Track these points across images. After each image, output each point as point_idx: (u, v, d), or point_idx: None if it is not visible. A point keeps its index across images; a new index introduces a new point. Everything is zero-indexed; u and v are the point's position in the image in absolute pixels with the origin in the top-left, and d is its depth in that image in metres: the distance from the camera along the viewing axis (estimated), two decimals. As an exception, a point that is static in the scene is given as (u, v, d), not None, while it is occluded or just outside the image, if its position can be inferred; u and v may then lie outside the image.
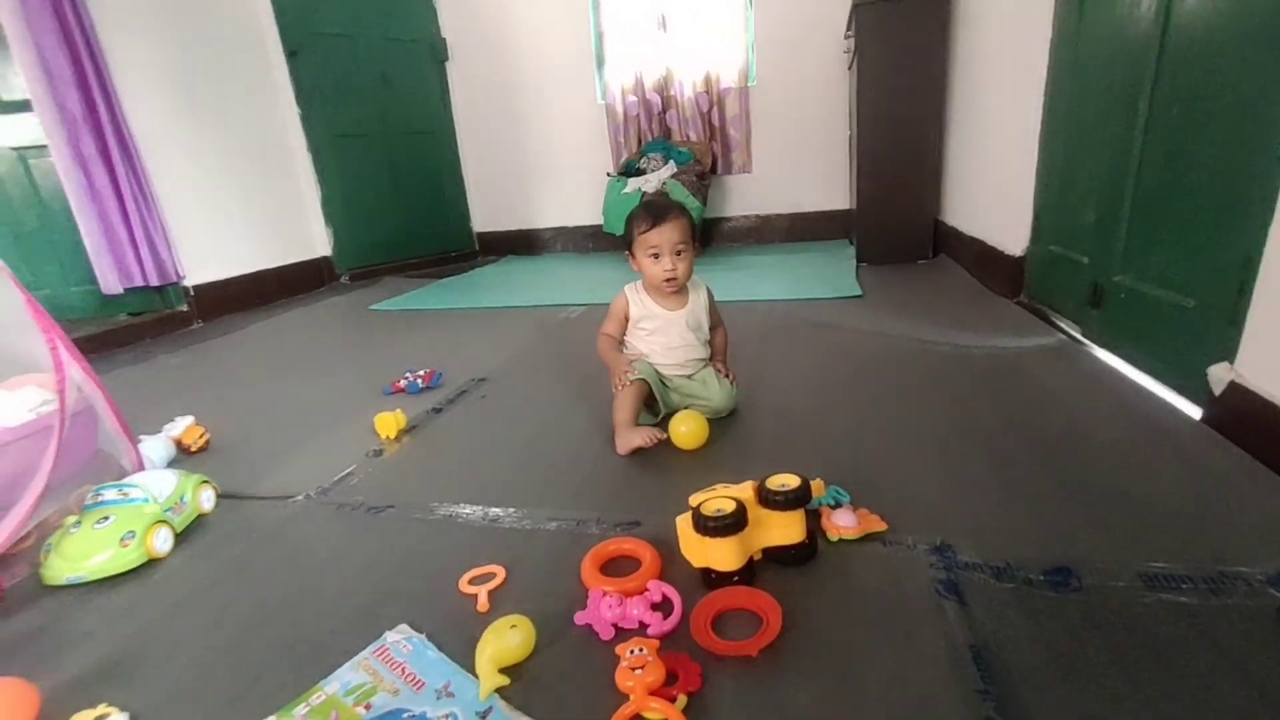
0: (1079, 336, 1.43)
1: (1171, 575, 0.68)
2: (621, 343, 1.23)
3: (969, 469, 0.94)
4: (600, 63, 3.41)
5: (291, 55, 2.97)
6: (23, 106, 2.20)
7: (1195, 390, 0.98)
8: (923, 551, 0.76)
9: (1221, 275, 0.93)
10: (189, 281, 2.53)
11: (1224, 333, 0.91)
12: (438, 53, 3.48)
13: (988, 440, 1.02)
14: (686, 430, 1.07)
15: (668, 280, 1.14)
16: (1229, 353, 0.90)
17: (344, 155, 3.22)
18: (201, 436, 1.27)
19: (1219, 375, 0.90)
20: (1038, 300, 1.69)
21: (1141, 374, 1.18)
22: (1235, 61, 0.93)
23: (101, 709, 0.61)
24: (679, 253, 1.14)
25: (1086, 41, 1.40)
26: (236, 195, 2.79)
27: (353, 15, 3.14)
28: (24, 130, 2.23)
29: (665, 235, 1.12)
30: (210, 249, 2.63)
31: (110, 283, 2.30)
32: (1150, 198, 1.16)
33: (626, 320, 1.21)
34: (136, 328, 2.37)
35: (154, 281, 2.39)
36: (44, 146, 2.23)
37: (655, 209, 1.14)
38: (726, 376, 1.19)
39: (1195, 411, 0.98)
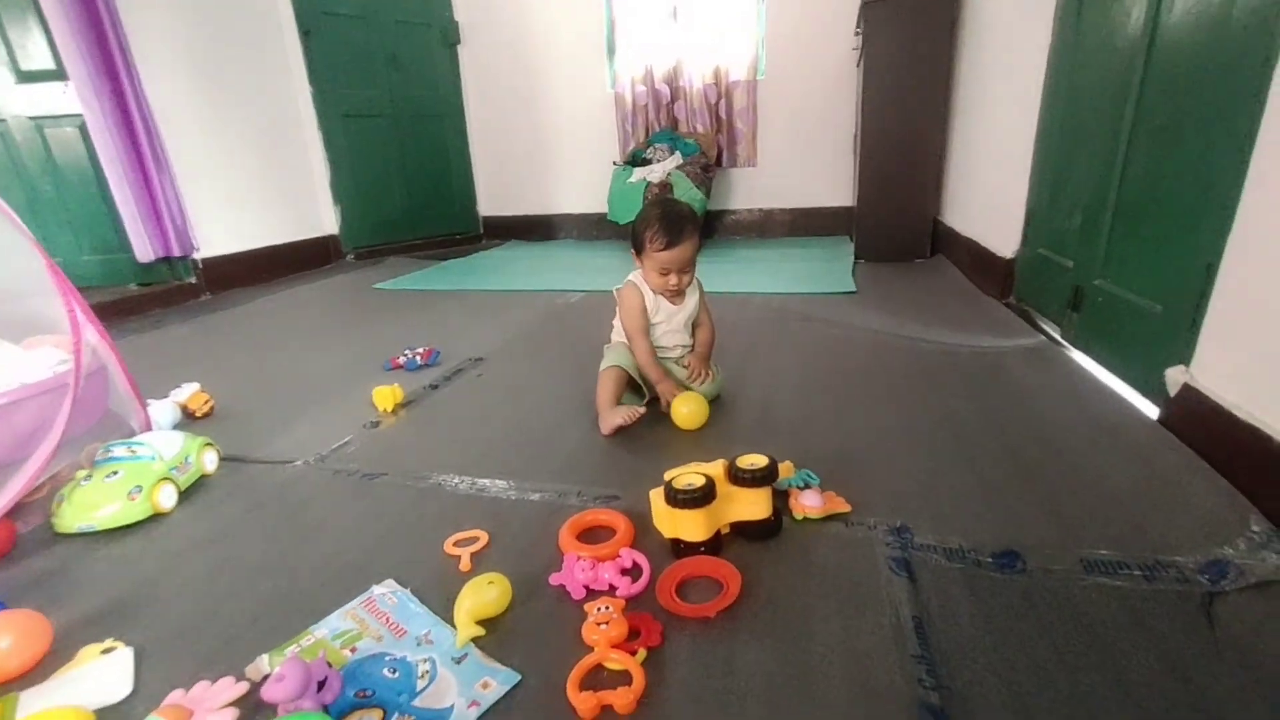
0: (1058, 338, 1.46)
1: (1110, 562, 0.72)
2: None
3: (937, 459, 0.99)
4: (611, 52, 3.42)
5: (305, 34, 3.00)
6: (40, 77, 2.25)
7: (1155, 392, 1.02)
8: (882, 532, 0.81)
9: (1185, 283, 0.96)
10: (199, 255, 2.58)
11: (1185, 338, 0.95)
12: (449, 36, 3.50)
13: (959, 433, 1.07)
14: (688, 411, 1.12)
15: (672, 293, 1.19)
16: (1188, 358, 0.94)
17: (354, 135, 3.25)
18: (206, 403, 1.32)
19: (1175, 378, 0.94)
20: (1025, 302, 1.72)
21: (1110, 375, 1.22)
22: (1208, 82, 0.96)
23: (109, 643, 0.67)
24: (686, 270, 1.18)
25: (1082, 53, 1.42)
26: (248, 171, 2.83)
27: (366, -6, 3.17)
28: (40, 100, 2.28)
29: (677, 256, 1.15)
30: (220, 223, 2.68)
31: (145, 251, 2.37)
32: (1130, 206, 1.19)
33: (645, 312, 1.21)
34: (146, 298, 2.43)
35: (178, 252, 2.46)
36: (61, 116, 2.29)
37: (670, 227, 1.14)
38: (699, 378, 1.21)
39: (1154, 412, 1.02)
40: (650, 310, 1.21)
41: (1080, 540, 0.76)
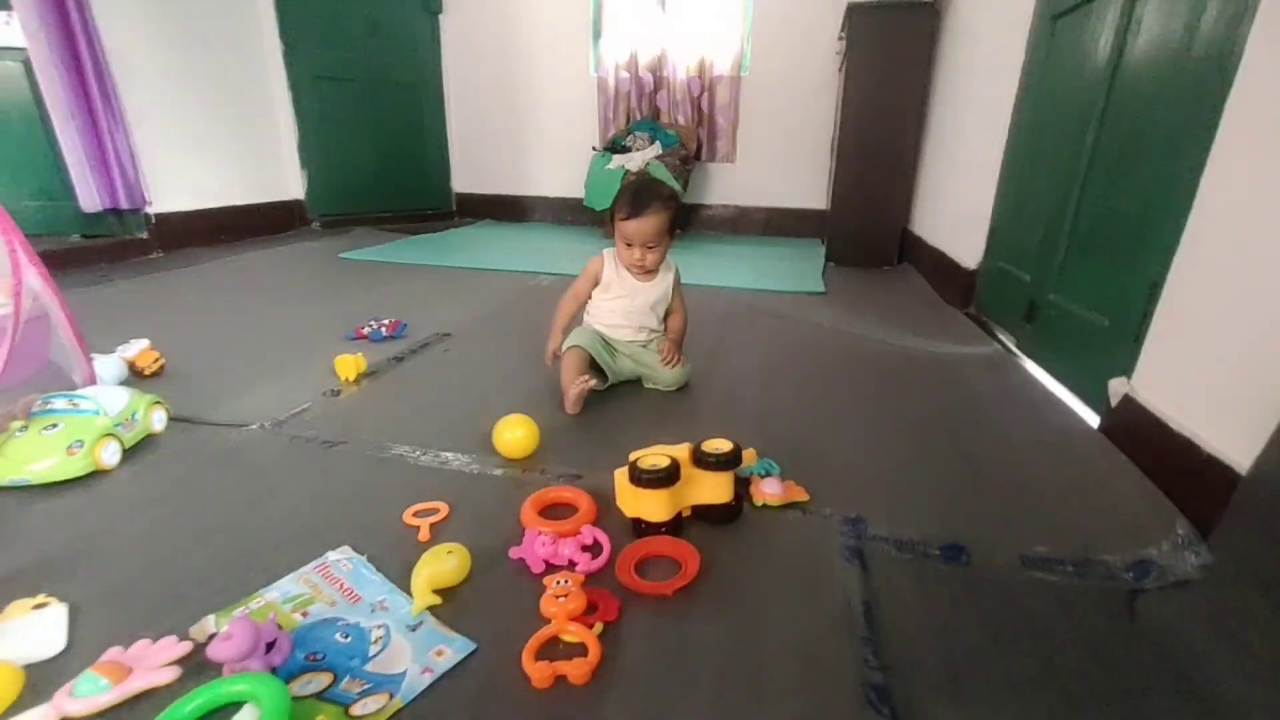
0: (1013, 348, 1.53)
1: (1047, 558, 0.76)
2: (586, 303, 1.27)
3: (893, 455, 1.02)
4: (597, 35, 3.39)
5: (278, -12, 2.87)
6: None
7: (1098, 401, 1.08)
8: (837, 521, 0.83)
9: (1131, 300, 1.02)
10: (151, 209, 2.46)
11: (1128, 352, 1.00)
12: (431, 4, 3.41)
13: (914, 433, 1.10)
14: (510, 437, 0.97)
15: (635, 267, 1.20)
16: (1130, 370, 0.99)
17: (325, 98, 3.14)
18: (156, 361, 1.27)
19: (1116, 389, 0.99)
20: (984, 312, 1.79)
21: (1058, 384, 1.28)
22: (1166, 110, 1.02)
23: (40, 598, 0.64)
24: (651, 246, 1.19)
25: (1052, 74, 1.48)
26: (208, 125, 2.70)
27: (346, -46, 3.05)
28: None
29: (639, 229, 1.16)
30: (177, 178, 2.56)
31: (90, 200, 2.23)
32: (1086, 224, 1.25)
33: (597, 282, 1.25)
34: (92, 250, 2.31)
35: (125, 205, 2.33)
36: (2, 49, 2.14)
37: (637, 198, 1.16)
38: (669, 363, 1.23)
39: (1095, 420, 1.08)
40: (607, 282, 1.24)
41: (1020, 537, 0.80)
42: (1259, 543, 0.67)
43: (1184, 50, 0.98)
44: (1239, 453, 0.74)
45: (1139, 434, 0.92)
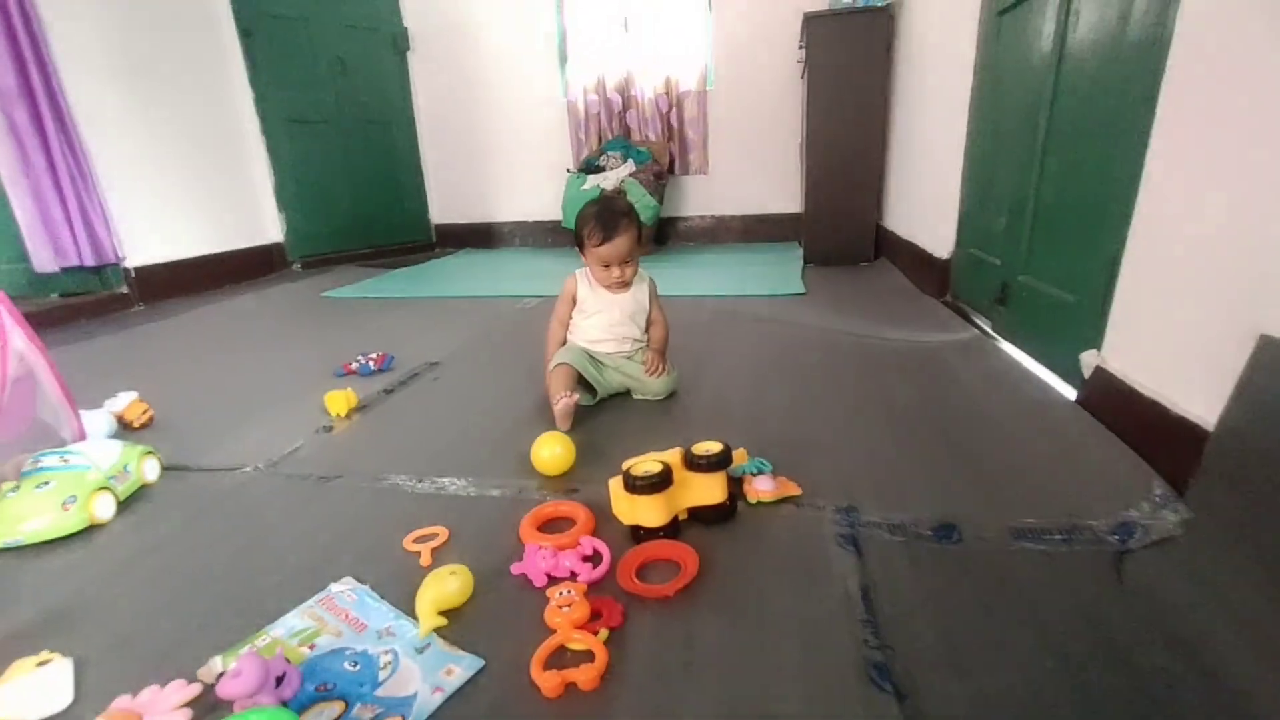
0: (990, 331, 1.56)
1: (1035, 529, 0.79)
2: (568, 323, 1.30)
3: (879, 444, 1.04)
4: (563, 60, 3.46)
5: (245, 35, 2.91)
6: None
7: (1072, 375, 1.11)
8: (830, 512, 0.85)
9: (1094, 275, 1.06)
10: (130, 263, 2.46)
11: (1096, 325, 1.03)
12: (399, 43, 3.46)
13: (900, 420, 1.13)
14: (548, 455, 0.97)
15: (616, 285, 1.24)
16: (1099, 342, 1.03)
17: (299, 140, 3.17)
18: (145, 413, 1.27)
19: (1088, 361, 1.03)
20: (960, 299, 1.83)
21: (1034, 363, 1.32)
22: (1108, 94, 1.07)
23: (44, 655, 0.64)
24: (626, 262, 1.22)
25: (1002, 66, 1.54)
26: (183, 176, 2.72)
27: (310, -1, 3.10)
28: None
29: (615, 249, 1.20)
30: (153, 230, 2.56)
31: (44, 260, 2.22)
32: (1047, 206, 1.30)
33: (574, 301, 1.28)
34: (72, 308, 2.30)
35: (89, 261, 2.31)
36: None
37: (606, 222, 1.19)
38: (654, 373, 1.25)
39: (1071, 393, 1.11)
40: (583, 299, 1.26)
41: (1008, 511, 0.83)
42: (1230, 495, 0.69)
43: (1120, 37, 1.03)
44: (1206, 411, 0.77)
45: (1112, 402, 0.95)
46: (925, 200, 2.17)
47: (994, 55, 1.58)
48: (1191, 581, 0.66)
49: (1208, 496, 0.72)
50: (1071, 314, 1.15)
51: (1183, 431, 0.79)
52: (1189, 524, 0.72)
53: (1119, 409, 0.94)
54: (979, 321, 1.65)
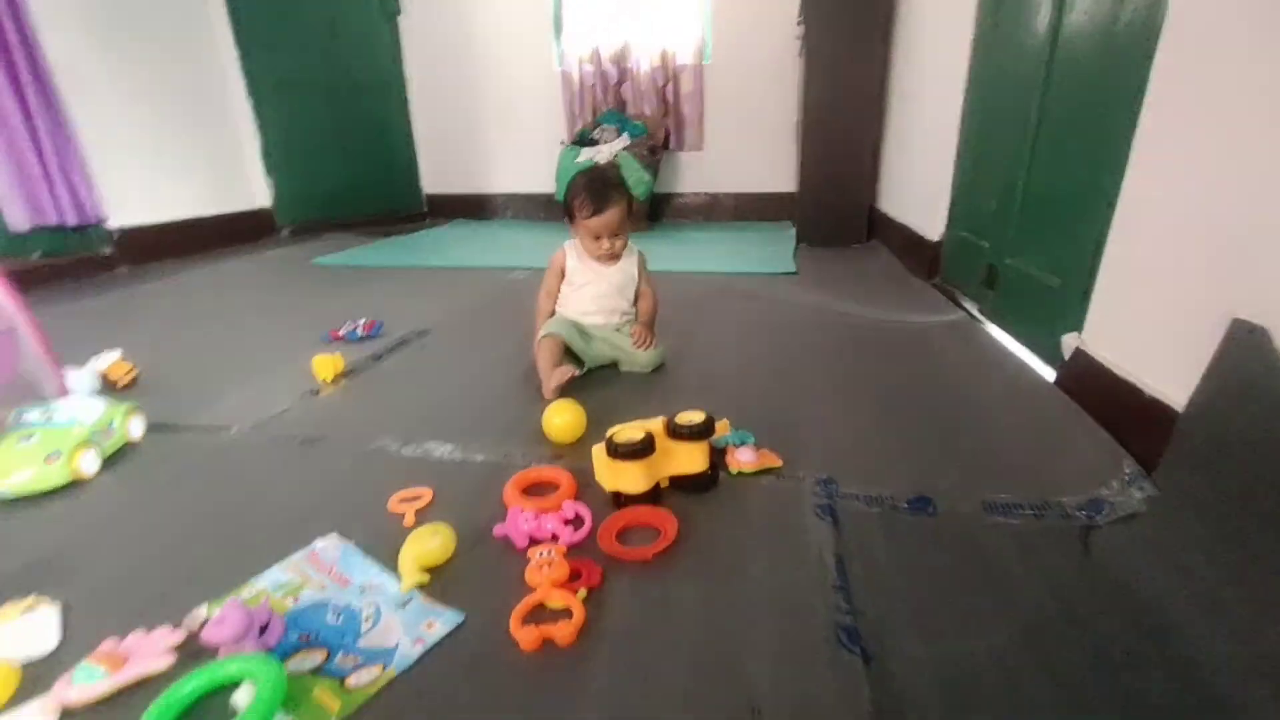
0: (977, 314, 1.58)
1: (1007, 503, 0.81)
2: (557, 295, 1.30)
3: (862, 419, 1.06)
4: (559, 29, 3.38)
5: (231, -8, 2.83)
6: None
7: (1054, 357, 1.13)
8: (810, 483, 0.87)
9: (1079, 259, 1.07)
10: (114, 224, 2.41)
11: (1078, 308, 1.05)
12: (389, 6, 3.37)
13: (883, 398, 1.14)
14: (560, 422, 0.99)
15: (605, 256, 1.24)
16: (1081, 325, 1.04)
17: (287, 104, 3.10)
18: (129, 372, 1.26)
19: (1068, 343, 1.04)
20: (949, 282, 1.84)
21: (1019, 344, 1.33)
22: (1099, 78, 1.07)
23: (30, 600, 0.64)
24: (616, 234, 1.22)
25: (999, 47, 1.53)
26: (168, 136, 2.66)
27: (299, -44, 3.01)
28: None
29: (605, 221, 1.20)
30: (138, 192, 2.51)
31: (17, 218, 2.17)
32: (1036, 190, 1.30)
33: (564, 274, 1.27)
34: (53, 269, 2.26)
35: (70, 221, 2.26)
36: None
37: (596, 194, 1.19)
38: (641, 345, 1.26)
39: (1052, 375, 1.13)
40: (572, 271, 1.26)
41: (983, 486, 0.85)
42: (1195, 474, 0.72)
43: (1112, 21, 1.03)
44: (1177, 393, 0.79)
45: (1089, 383, 0.97)
46: (919, 182, 2.17)
47: (991, 36, 1.57)
48: (1155, 556, 0.68)
49: (1174, 475, 0.74)
50: (1056, 297, 1.17)
51: (1155, 412, 0.81)
52: (1154, 501, 0.74)
53: (1095, 390, 0.96)
54: (967, 304, 1.66)
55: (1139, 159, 0.92)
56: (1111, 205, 0.96)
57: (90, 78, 2.32)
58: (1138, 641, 0.59)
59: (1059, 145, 1.21)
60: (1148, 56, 0.90)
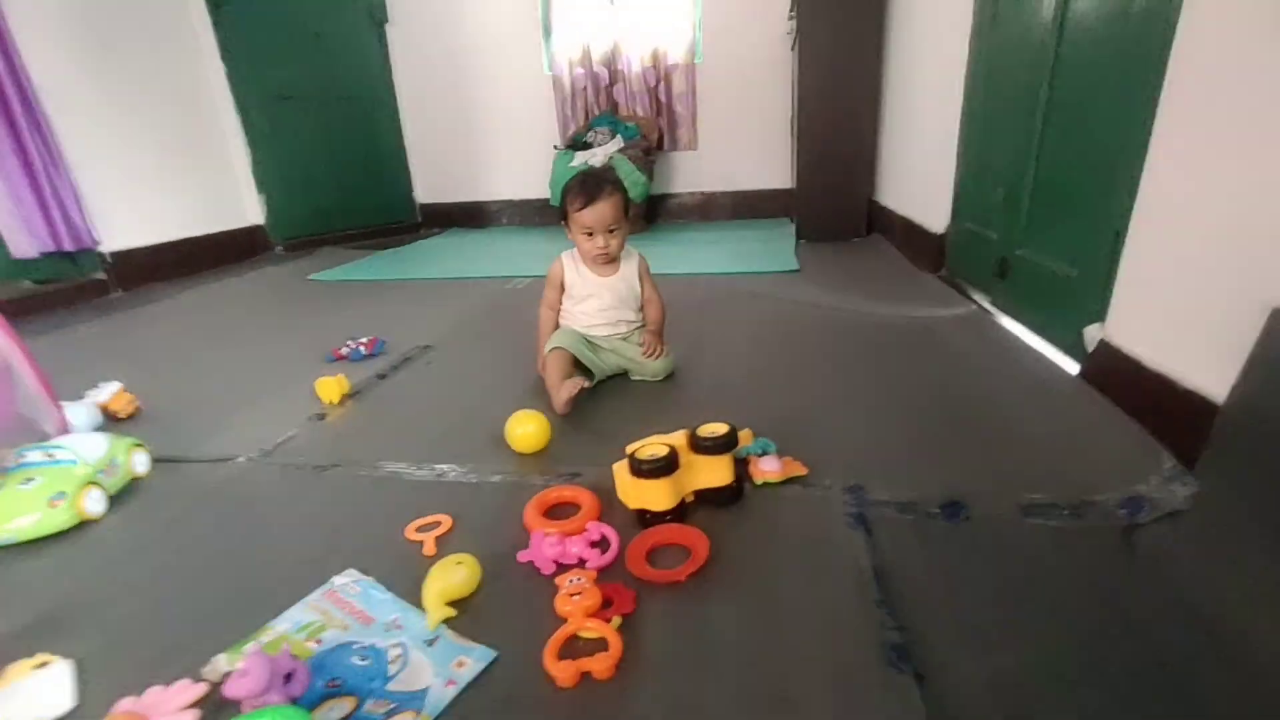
0: (988, 306, 1.56)
1: (1043, 504, 0.78)
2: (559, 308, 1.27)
3: (883, 422, 1.04)
4: (548, 32, 3.35)
5: (215, 7, 2.79)
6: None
7: (1075, 349, 1.11)
8: (838, 492, 0.84)
9: (1098, 249, 1.05)
10: (105, 248, 2.38)
11: (1099, 299, 1.03)
12: (376, 14, 3.33)
13: (901, 397, 1.12)
14: (522, 433, 0.99)
15: (600, 255, 1.20)
16: (1102, 316, 1.02)
17: (276, 118, 3.06)
18: (130, 404, 1.23)
19: (1092, 335, 1.02)
20: (956, 274, 1.82)
21: (1036, 337, 1.31)
22: (1113, 63, 1.04)
23: (41, 657, 0.62)
24: (611, 230, 1.18)
25: (999, 35, 1.51)
26: (156, 157, 2.62)
27: (281, -32, 2.98)
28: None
29: (598, 214, 1.16)
30: (129, 213, 2.47)
31: (21, 246, 2.14)
32: (1046, 179, 1.28)
33: (563, 287, 1.25)
34: (46, 297, 2.22)
35: (68, 246, 2.23)
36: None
37: (589, 186, 1.16)
38: (651, 355, 1.23)
39: (1074, 367, 1.11)
40: (572, 282, 1.24)
41: (1016, 487, 0.82)
42: (1241, 467, 0.69)
43: (1126, 2, 1.00)
44: (1215, 384, 0.77)
45: (1118, 376, 0.95)
46: (919, 174, 2.15)
47: (992, 20, 1.55)
48: (1203, 553, 0.66)
49: (1217, 469, 0.72)
50: (1073, 287, 1.15)
51: (1191, 404, 0.79)
52: (1198, 497, 0.72)
53: (1124, 382, 0.94)
54: (976, 296, 1.64)
55: (1160, 143, 0.90)
56: (1132, 190, 0.94)
57: (73, 97, 2.27)
58: (1196, 645, 0.57)
59: (1070, 132, 1.19)
60: (1167, 34, 0.88)
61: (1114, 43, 1.04)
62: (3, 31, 2.02)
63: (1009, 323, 1.44)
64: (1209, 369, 0.78)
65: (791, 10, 2.68)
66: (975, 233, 1.66)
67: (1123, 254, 0.98)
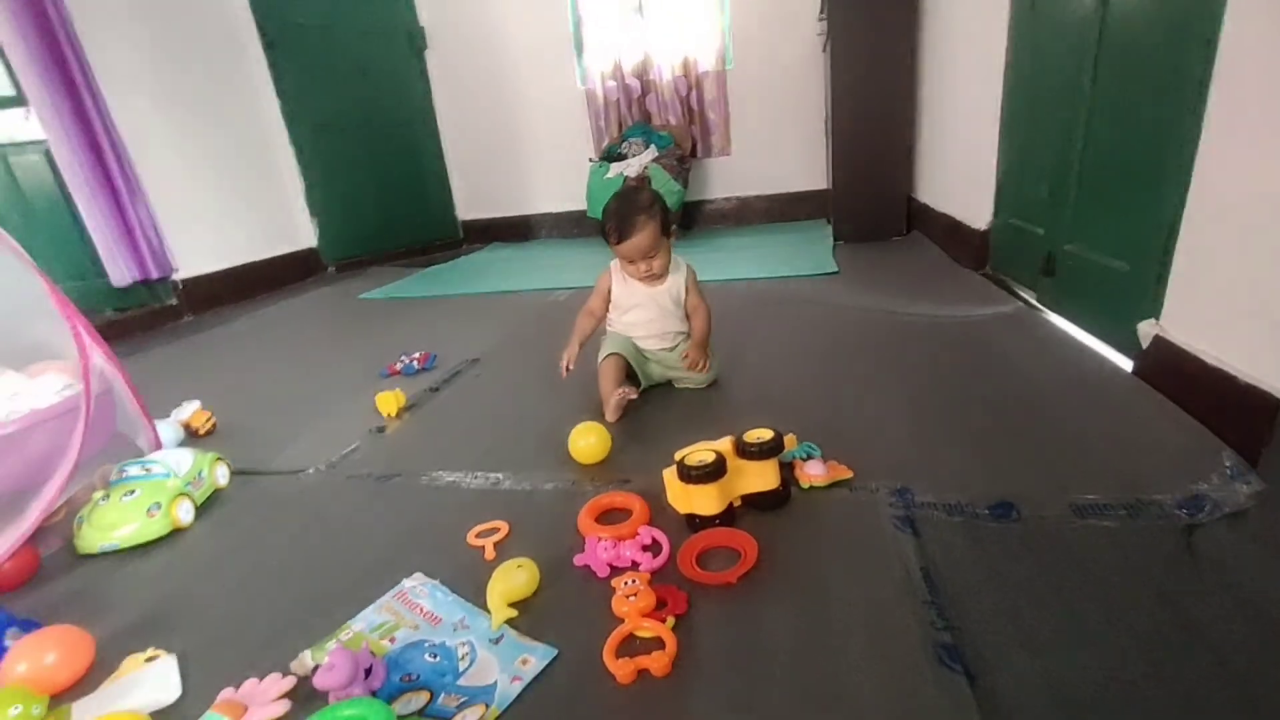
0: (1035, 303, 1.52)
1: (1097, 504, 0.77)
2: (604, 317, 1.30)
3: (929, 422, 1.04)
4: (579, 48, 3.43)
5: (269, 47, 2.97)
6: None
7: (1128, 345, 1.08)
8: (884, 494, 0.85)
9: (1150, 242, 1.02)
10: (177, 275, 2.55)
11: (1152, 292, 1.00)
12: (416, 42, 3.48)
13: (947, 398, 1.12)
14: (585, 445, 1.02)
15: (645, 279, 1.24)
16: (1156, 311, 1.00)
17: (326, 147, 3.23)
18: (209, 420, 1.33)
19: (1146, 330, 1.00)
20: (1000, 271, 1.78)
21: (1085, 334, 1.28)
22: (1160, 49, 1.02)
23: (150, 651, 0.68)
24: (651, 256, 1.21)
25: (1040, 24, 1.48)
26: (221, 188, 2.80)
27: (329, 5, 3.14)
28: (1, 128, 2.23)
29: (633, 247, 1.19)
30: (197, 242, 2.65)
31: (121, 275, 2.34)
32: (1093, 171, 1.25)
33: (609, 296, 1.28)
34: (126, 323, 2.40)
35: (155, 275, 2.43)
36: (24, 143, 2.25)
37: (622, 219, 1.18)
38: (696, 368, 1.24)
39: (1128, 364, 1.08)
40: (618, 295, 1.27)
41: (1068, 487, 0.81)
42: (1309, 465, 0.67)
43: (1171, -14, 0.98)
44: (1277, 378, 0.74)
45: (1174, 372, 0.93)
46: (959, 170, 2.11)
47: (1031, 13, 1.52)
48: (1270, 553, 0.64)
49: (1283, 466, 0.70)
50: (1125, 282, 1.12)
51: (1252, 400, 0.77)
52: (1263, 495, 0.70)
53: (1181, 378, 0.91)
54: (1022, 293, 1.61)
55: (1213, 128, 0.88)
56: (1185, 180, 0.92)
57: (153, 140, 2.47)
58: (1262, 649, 0.56)
59: (1116, 124, 1.16)
60: (1216, 12, 0.85)
61: (1160, 24, 1.01)
62: (92, 83, 2.21)
63: (1057, 320, 1.41)
64: (1270, 363, 0.76)
65: (821, 11, 2.67)
66: (1020, 228, 1.63)
67: (1176, 246, 0.95)
